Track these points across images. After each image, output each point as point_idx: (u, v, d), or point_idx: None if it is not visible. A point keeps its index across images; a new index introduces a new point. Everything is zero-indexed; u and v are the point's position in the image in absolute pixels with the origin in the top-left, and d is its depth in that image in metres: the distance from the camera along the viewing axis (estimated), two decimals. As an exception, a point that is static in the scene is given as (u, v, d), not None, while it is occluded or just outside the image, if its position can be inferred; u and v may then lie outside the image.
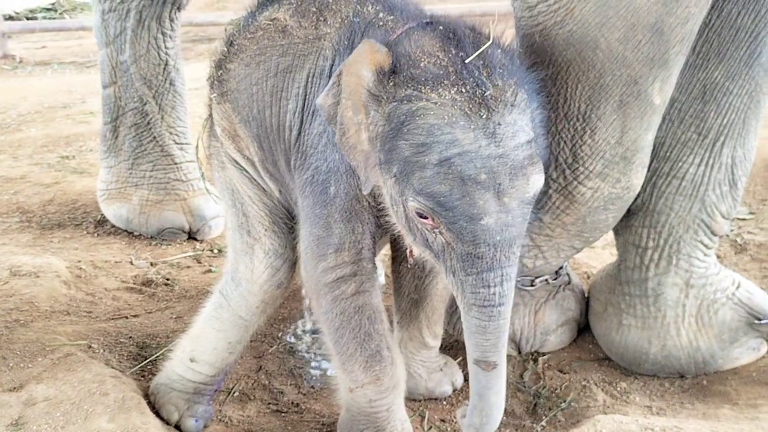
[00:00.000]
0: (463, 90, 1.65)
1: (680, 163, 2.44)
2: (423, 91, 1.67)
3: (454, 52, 1.72)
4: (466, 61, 1.70)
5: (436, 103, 1.65)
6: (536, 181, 1.69)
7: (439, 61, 1.71)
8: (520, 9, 2.07)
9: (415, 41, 1.77)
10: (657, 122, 2.18)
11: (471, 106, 1.64)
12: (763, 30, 2.33)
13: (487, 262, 1.66)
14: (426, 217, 1.68)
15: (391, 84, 1.71)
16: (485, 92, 1.65)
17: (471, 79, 1.67)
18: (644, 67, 2.01)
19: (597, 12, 1.95)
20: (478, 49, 1.72)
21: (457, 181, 1.62)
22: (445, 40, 1.76)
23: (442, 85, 1.66)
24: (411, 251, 1.98)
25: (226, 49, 2.19)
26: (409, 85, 1.68)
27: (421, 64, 1.70)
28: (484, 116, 1.64)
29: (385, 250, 2.74)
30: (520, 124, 1.68)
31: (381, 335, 2.03)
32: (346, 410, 2.15)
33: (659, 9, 1.94)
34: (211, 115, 2.31)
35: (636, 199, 2.45)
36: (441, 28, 1.80)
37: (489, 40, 1.77)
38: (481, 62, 1.70)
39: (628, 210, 2.45)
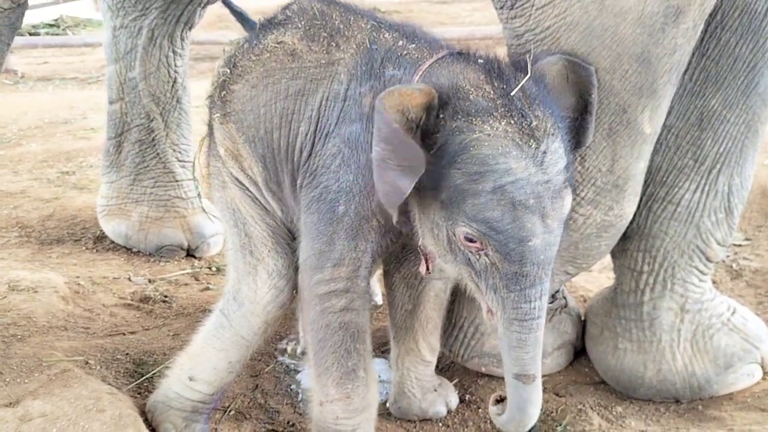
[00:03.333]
0: (512, 122, 1.76)
1: (676, 189, 2.46)
2: (474, 123, 1.76)
3: (497, 84, 1.82)
4: (511, 94, 1.80)
5: (489, 135, 1.75)
6: (569, 201, 1.82)
7: (486, 94, 1.80)
8: (509, 37, 2.10)
9: (458, 73, 1.86)
10: (649, 150, 2.19)
11: (521, 137, 1.75)
12: (761, 60, 2.35)
13: (530, 280, 1.78)
14: (474, 241, 1.77)
15: (438, 116, 1.79)
16: (531, 123, 1.77)
17: (516, 111, 1.77)
18: (632, 97, 2.03)
19: (582, 42, 1.97)
20: (514, 81, 1.83)
21: (509, 206, 1.73)
22: (488, 72, 1.85)
23: (493, 117, 1.76)
24: (427, 266, 2.06)
25: (228, 70, 2.22)
26: (459, 117, 1.77)
27: (470, 97, 1.80)
28: (534, 146, 1.75)
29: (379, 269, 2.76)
30: (560, 152, 1.80)
31: (360, 355, 2.07)
32: (314, 424, 2.18)
33: (645, 40, 1.96)
34: (210, 135, 2.33)
35: (631, 223, 2.46)
36: (481, 61, 1.90)
37: (525, 72, 1.86)
38: (521, 94, 1.81)
39: (624, 234, 2.47)
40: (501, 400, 1.94)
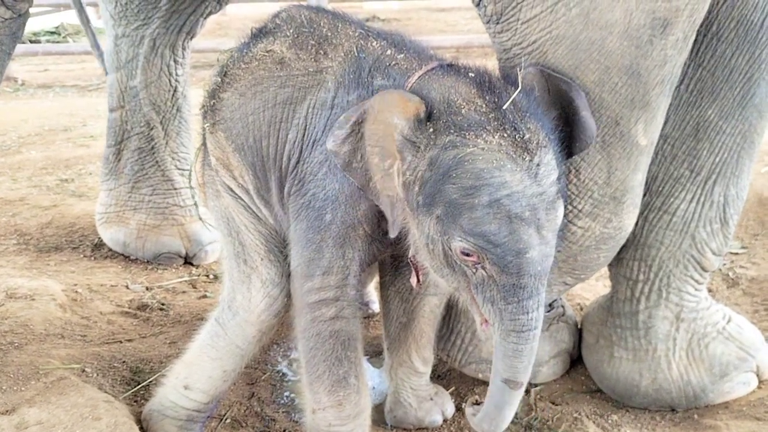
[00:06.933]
0: (505, 135, 1.76)
1: (672, 199, 2.47)
2: (468, 137, 1.76)
3: (488, 98, 1.82)
4: (503, 108, 1.80)
5: (483, 149, 1.75)
6: (561, 212, 1.82)
7: (478, 108, 1.80)
8: (498, 50, 2.10)
9: (449, 86, 1.86)
10: (646, 162, 2.19)
11: (515, 150, 1.75)
12: (757, 71, 2.35)
13: (528, 291, 1.77)
14: (470, 255, 1.77)
15: (430, 130, 1.79)
16: (524, 136, 1.77)
17: (509, 125, 1.78)
18: (624, 109, 2.02)
19: (569, 55, 1.97)
20: (505, 94, 1.83)
21: (505, 219, 1.72)
22: (480, 86, 1.86)
23: (486, 131, 1.76)
24: (418, 278, 2.06)
25: (219, 78, 2.23)
26: (452, 131, 1.77)
27: (463, 111, 1.80)
28: (527, 159, 1.75)
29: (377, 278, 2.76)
30: (552, 163, 1.81)
31: (351, 363, 2.08)
32: None
33: (633, 52, 1.94)
34: (204, 144, 2.33)
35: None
36: (472, 74, 1.90)
37: (515, 86, 1.87)
38: (513, 107, 1.81)
39: (620, 243, 2.47)
40: (478, 403, 1.95)
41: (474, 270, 1.79)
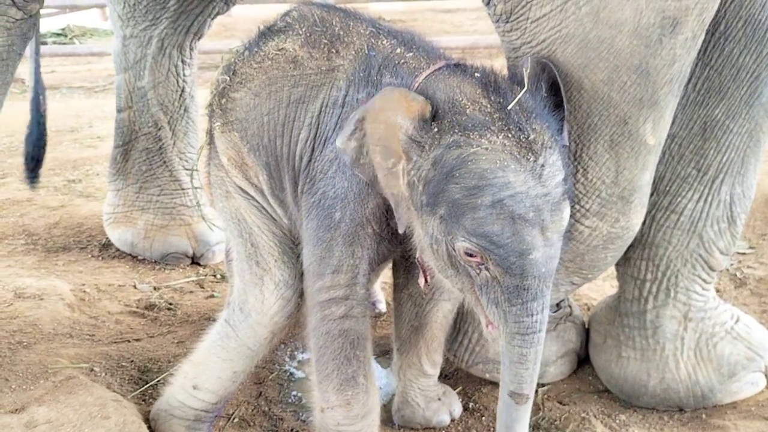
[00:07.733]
0: (509, 135, 1.76)
1: (679, 198, 2.46)
2: (472, 137, 1.76)
3: (493, 98, 1.82)
4: (508, 108, 1.80)
5: (487, 149, 1.74)
6: (568, 213, 1.81)
7: (483, 108, 1.80)
8: (507, 49, 2.10)
9: (454, 86, 1.86)
10: (654, 161, 2.18)
11: (519, 150, 1.75)
12: (765, 70, 2.35)
13: (532, 293, 1.76)
14: (474, 255, 1.76)
15: (434, 130, 1.79)
16: (528, 137, 1.77)
17: (513, 125, 1.78)
18: (633, 108, 2.02)
19: (578, 54, 1.96)
20: (511, 94, 1.83)
21: (508, 220, 1.72)
22: (485, 86, 1.85)
23: (490, 131, 1.76)
24: (426, 279, 2.05)
25: (228, 77, 2.23)
26: (456, 131, 1.77)
27: (467, 111, 1.79)
28: (532, 159, 1.75)
29: (387, 279, 2.76)
30: (558, 164, 1.80)
31: (360, 362, 2.08)
32: (317, 431, 2.19)
33: (642, 51, 1.94)
34: (209, 144, 2.33)
35: (634, 232, 2.46)
36: (478, 74, 1.90)
37: (521, 86, 1.87)
38: (518, 107, 1.81)
39: (627, 242, 2.47)
40: None
41: (478, 271, 1.79)
